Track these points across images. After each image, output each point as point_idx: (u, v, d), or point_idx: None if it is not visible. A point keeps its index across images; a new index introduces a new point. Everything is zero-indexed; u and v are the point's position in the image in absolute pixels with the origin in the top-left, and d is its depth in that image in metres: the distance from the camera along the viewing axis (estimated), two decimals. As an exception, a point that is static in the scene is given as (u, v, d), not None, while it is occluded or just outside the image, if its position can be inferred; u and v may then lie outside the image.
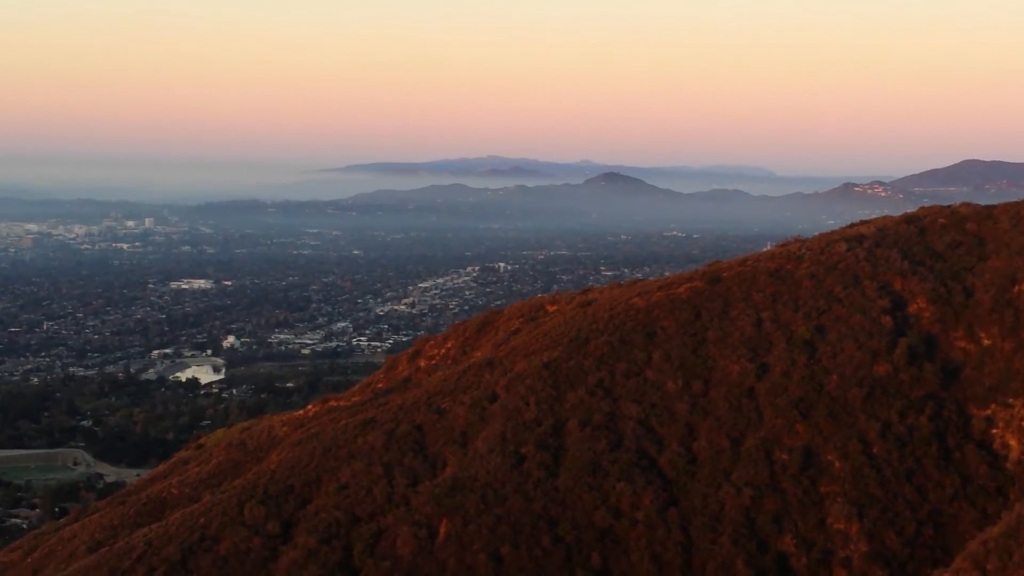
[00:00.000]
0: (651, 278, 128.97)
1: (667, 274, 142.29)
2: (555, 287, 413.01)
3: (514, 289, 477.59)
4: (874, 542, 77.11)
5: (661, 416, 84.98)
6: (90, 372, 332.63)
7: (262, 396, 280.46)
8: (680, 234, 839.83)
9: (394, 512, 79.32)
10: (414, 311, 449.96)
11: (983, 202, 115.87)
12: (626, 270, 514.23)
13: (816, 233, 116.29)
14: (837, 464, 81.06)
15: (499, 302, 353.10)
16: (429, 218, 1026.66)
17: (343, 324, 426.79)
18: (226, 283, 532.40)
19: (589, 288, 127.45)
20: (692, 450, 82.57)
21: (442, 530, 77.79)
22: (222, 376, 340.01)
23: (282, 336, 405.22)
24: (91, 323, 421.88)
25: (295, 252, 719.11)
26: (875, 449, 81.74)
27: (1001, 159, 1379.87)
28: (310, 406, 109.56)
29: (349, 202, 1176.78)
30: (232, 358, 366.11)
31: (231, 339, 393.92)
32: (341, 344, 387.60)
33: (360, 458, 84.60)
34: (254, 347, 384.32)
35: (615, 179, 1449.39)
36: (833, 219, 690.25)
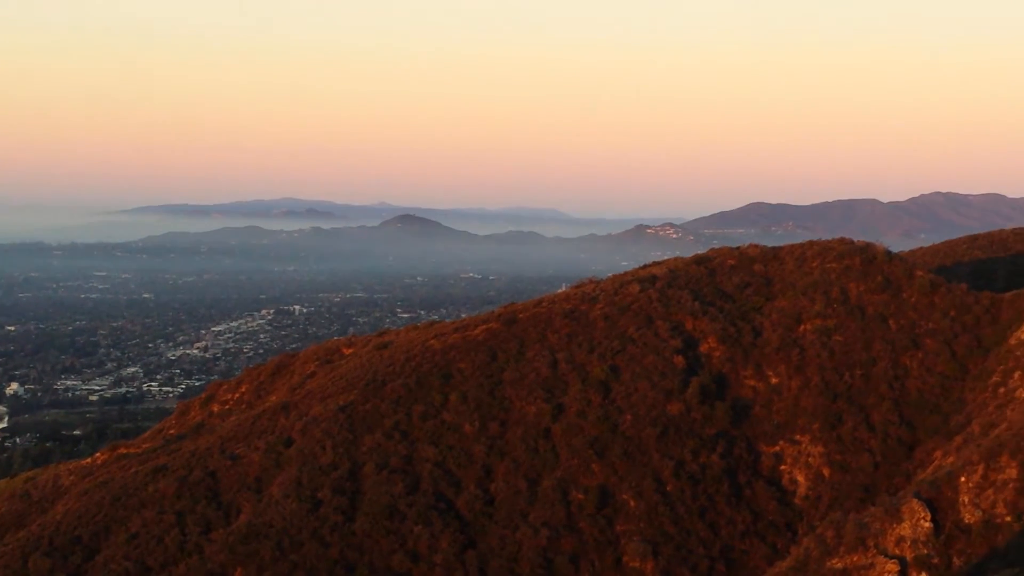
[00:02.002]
0: (448, 320, 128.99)
1: (464, 316, 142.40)
2: (351, 329, 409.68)
3: (310, 332, 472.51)
4: (669, 579, 77.93)
5: (458, 458, 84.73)
6: None
7: (47, 444, 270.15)
8: (476, 276, 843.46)
9: (187, 561, 77.16)
10: (207, 355, 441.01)
11: (769, 243, 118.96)
12: (423, 312, 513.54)
13: (610, 274, 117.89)
14: (632, 503, 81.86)
15: (294, 345, 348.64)
16: (222, 261, 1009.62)
17: (133, 369, 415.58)
18: (9, 328, 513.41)
19: (385, 330, 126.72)
20: (489, 491, 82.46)
21: (236, 579, 75.98)
22: (5, 424, 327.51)
23: (69, 382, 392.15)
24: None
25: (83, 296, 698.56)
26: (669, 487, 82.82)
27: (786, 202, 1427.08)
28: (98, 454, 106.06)
29: (139, 244, 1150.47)
30: (15, 406, 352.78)
31: (14, 386, 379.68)
32: (131, 390, 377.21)
33: (151, 506, 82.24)
34: (39, 394, 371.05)
35: (411, 221, 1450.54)
36: (626, 260, 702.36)
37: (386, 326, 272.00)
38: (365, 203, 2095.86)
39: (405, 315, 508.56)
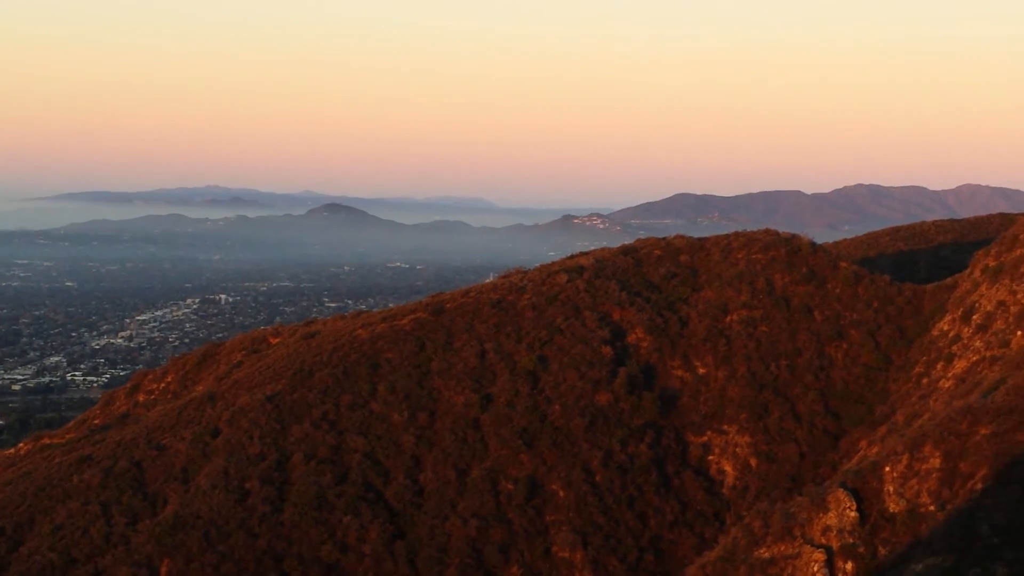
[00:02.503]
0: (375, 309, 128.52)
1: (391, 305, 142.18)
2: (278, 319, 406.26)
3: (236, 321, 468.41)
4: (598, 569, 78.32)
5: (387, 448, 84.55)
6: None
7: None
8: (404, 265, 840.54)
9: (112, 552, 76.35)
10: (132, 344, 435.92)
11: (695, 234, 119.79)
12: (350, 301, 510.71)
13: (537, 264, 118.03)
14: (561, 493, 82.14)
15: (221, 335, 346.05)
16: (146, 249, 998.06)
17: (56, 359, 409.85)
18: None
19: (312, 320, 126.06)
20: (419, 482, 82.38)
21: (163, 570, 75.25)
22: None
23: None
24: None
25: (3, 284, 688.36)
26: (598, 477, 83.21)
27: (712, 193, 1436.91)
28: (21, 444, 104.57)
29: (61, 232, 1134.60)
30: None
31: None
32: (54, 379, 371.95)
33: (76, 497, 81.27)
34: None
35: (338, 210, 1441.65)
36: (554, 250, 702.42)
37: (313, 315, 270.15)
38: (291, 191, 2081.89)
39: (332, 304, 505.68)
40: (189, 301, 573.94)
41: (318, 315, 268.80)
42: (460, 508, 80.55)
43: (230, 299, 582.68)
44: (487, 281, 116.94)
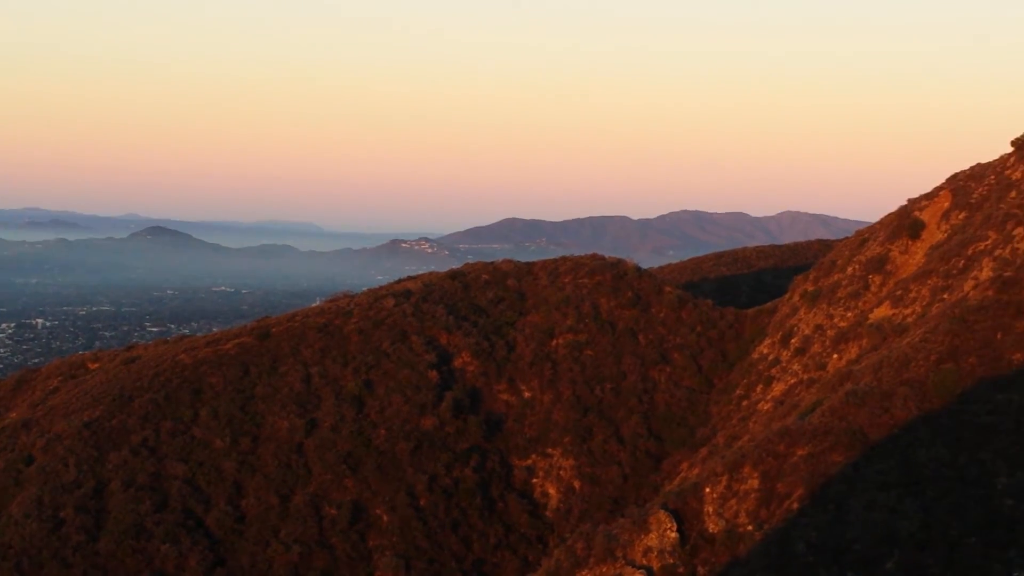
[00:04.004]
0: (199, 334, 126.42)
1: (215, 330, 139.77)
2: (98, 344, 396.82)
3: (53, 346, 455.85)
4: (422, 594, 77.95)
5: (208, 474, 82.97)
6: None
7: None
8: (229, 289, 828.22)
9: (-83, 587, 73.45)
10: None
11: (523, 259, 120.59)
12: (173, 326, 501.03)
13: (365, 288, 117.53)
14: (385, 517, 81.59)
15: (37, 360, 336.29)
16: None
17: None
18: None
19: (133, 344, 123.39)
20: (240, 508, 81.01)
21: (-29, 604, 72.70)
22: None
23: None
24: None
25: None
26: (422, 501, 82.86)
27: (540, 218, 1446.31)
28: None
29: None
30: None
31: None
32: None
33: None
34: None
35: (162, 233, 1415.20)
36: (382, 274, 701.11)
37: (134, 340, 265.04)
38: (114, 214, 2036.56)
39: (155, 329, 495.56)
40: (3, 326, 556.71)
41: (139, 340, 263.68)
42: (282, 534, 79.43)
43: (47, 323, 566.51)
44: (314, 305, 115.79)
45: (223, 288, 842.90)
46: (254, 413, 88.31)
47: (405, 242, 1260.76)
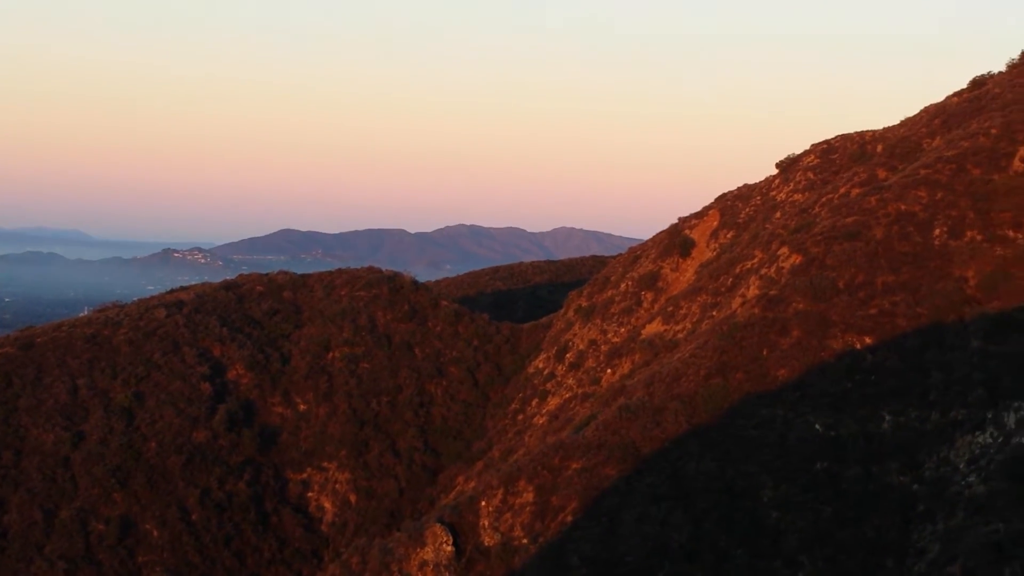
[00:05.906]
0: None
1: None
2: None
3: None
4: (192, 611, 76.52)
5: (-32, 490, 79.76)
6: None
7: None
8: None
9: None
10: None
11: (299, 271, 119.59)
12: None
13: (135, 299, 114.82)
14: (155, 532, 79.75)
15: None
16: None
17: None
18: None
19: None
20: (2, 524, 78.09)
21: None
22: None
23: None
24: None
25: None
26: (194, 516, 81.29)
27: (316, 230, 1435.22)
28: None
29: None
30: None
31: None
32: None
33: None
34: None
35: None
36: (153, 284, 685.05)
37: None
38: None
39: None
40: None
41: None
42: (47, 550, 76.85)
43: None
44: (81, 315, 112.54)
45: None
46: (17, 426, 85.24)
47: (178, 251, 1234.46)
